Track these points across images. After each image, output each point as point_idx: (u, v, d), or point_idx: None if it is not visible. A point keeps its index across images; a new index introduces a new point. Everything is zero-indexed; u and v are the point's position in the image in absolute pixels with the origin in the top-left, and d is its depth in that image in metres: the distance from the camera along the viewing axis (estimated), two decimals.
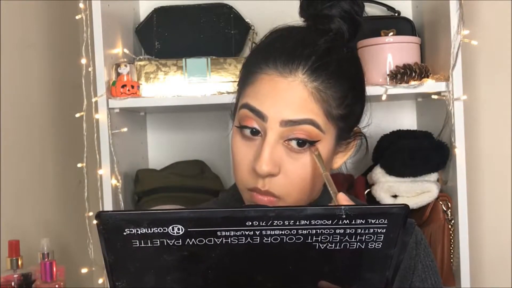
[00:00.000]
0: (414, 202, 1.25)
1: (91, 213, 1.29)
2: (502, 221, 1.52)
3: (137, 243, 0.53)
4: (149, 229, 0.52)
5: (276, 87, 0.73)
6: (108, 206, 1.26)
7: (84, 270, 1.31)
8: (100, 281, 1.30)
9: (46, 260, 1.18)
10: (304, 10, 0.81)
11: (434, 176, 1.27)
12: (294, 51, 0.74)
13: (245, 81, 0.76)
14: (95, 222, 1.28)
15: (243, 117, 0.74)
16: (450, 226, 1.26)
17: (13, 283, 1.17)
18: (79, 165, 1.29)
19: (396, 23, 1.40)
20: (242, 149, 0.74)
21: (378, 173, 1.28)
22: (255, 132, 0.74)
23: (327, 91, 0.73)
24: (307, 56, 0.73)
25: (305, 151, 0.73)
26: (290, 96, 0.72)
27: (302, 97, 0.72)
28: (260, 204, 0.73)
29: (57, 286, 1.17)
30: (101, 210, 0.54)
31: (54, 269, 1.17)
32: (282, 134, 0.72)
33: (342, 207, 0.53)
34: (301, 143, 0.72)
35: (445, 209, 1.26)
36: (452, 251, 1.26)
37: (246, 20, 1.50)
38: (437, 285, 0.81)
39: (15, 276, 1.17)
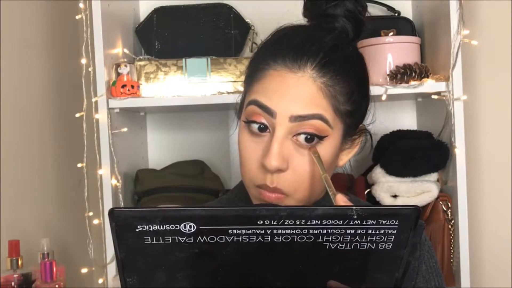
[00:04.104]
0: (414, 202, 1.25)
1: (91, 213, 1.29)
2: (502, 221, 1.52)
3: (149, 239, 0.53)
4: (161, 226, 0.52)
5: (284, 83, 0.73)
6: (108, 206, 1.26)
7: (84, 270, 1.31)
8: (100, 281, 1.30)
9: (46, 260, 1.18)
10: (308, 10, 0.81)
11: (434, 176, 1.27)
12: (302, 47, 0.74)
13: (252, 78, 0.77)
14: (95, 221, 1.28)
15: (251, 113, 0.74)
16: (450, 226, 1.26)
17: (13, 283, 1.17)
18: (79, 165, 1.29)
19: (396, 23, 1.40)
20: (250, 146, 0.74)
21: (378, 173, 1.28)
22: (263, 128, 0.74)
23: (335, 86, 0.73)
24: (315, 52, 0.73)
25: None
26: (299, 92, 0.72)
27: (311, 92, 0.72)
28: (271, 203, 0.73)
29: (57, 286, 1.17)
30: (113, 207, 0.54)
31: (54, 269, 1.17)
32: (290, 130, 0.72)
33: (354, 207, 0.53)
34: (309, 138, 0.73)
35: (445, 209, 1.26)
36: (452, 251, 1.26)
37: (246, 20, 1.51)
38: (440, 286, 0.81)
39: (15, 276, 1.17)
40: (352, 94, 0.75)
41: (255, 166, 0.74)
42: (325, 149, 0.74)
